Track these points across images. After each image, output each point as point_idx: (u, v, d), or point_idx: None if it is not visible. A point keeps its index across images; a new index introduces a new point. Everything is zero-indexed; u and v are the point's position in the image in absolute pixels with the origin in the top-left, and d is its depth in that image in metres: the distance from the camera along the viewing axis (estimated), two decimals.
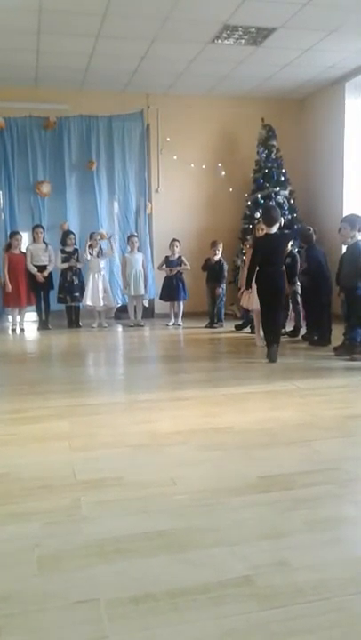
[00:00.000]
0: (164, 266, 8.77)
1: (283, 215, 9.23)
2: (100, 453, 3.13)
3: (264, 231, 6.18)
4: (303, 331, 7.34)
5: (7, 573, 1.94)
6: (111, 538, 2.16)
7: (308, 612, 1.72)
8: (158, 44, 7.28)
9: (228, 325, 8.34)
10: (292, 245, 7.82)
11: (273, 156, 9.34)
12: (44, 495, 2.57)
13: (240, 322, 8.27)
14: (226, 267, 8.53)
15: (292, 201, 9.36)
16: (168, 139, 9.53)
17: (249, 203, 9.44)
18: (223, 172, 9.61)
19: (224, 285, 8.53)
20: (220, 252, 8.48)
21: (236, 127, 9.72)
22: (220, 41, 7.21)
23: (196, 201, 9.73)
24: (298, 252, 7.64)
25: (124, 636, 1.62)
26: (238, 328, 8.10)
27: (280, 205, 9.25)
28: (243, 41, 7.24)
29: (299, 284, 7.49)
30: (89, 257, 8.44)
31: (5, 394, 4.72)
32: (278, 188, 9.23)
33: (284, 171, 9.34)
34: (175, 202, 9.60)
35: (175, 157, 9.57)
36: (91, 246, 8.53)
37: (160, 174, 9.69)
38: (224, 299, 8.61)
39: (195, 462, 2.99)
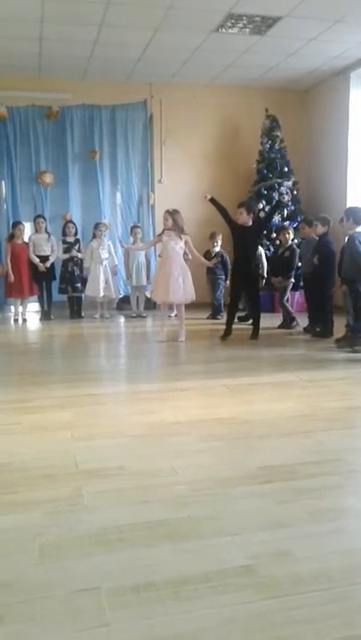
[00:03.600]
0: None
1: (286, 206, 9.23)
2: (102, 443, 3.14)
3: (246, 221, 6.47)
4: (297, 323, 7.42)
5: (9, 562, 1.95)
6: (112, 527, 2.17)
7: (310, 601, 1.73)
8: (162, 33, 7.23)
9: None
10: (292, 240, 7.82)
11: (277, 146, 9.30)
12: (46, 484, 2.57)
13: (243, 313, 8.26)
14: (227, 258, 8.50)
15: (295, 192, 9.33)
16: (171, 128, 9.48)
17: (252, 194, 9.40)
18: (227, 163, 9.57)
19: (223, 277, 8.49)
20: (220, 243, 8.46)
21: (240, 117, 9.66)
22: (224, 30, 7.16)
23: (198, 191, 9.64)
24: (298, 245, 7.63)
25: (125, 624, 1.63)
26: (241, 320, 8.09)
27: (283, 196, 9.22)
28: (247, 30, 7.19)
29: (293, 280, 7.54)
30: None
31: (8, 384, 4.73)
32: (282, 179, 9.19)
33: (287, 161, 9.30)
34: (178, 192, 9.56)
35: (178, 147, 9.53)
36: (95, 236, 8.51)
37: (163, 164, 9.66)
38: (223, 290, 8.58)
39: (196, 452, 2.99)
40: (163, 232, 6.52)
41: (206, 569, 1.89)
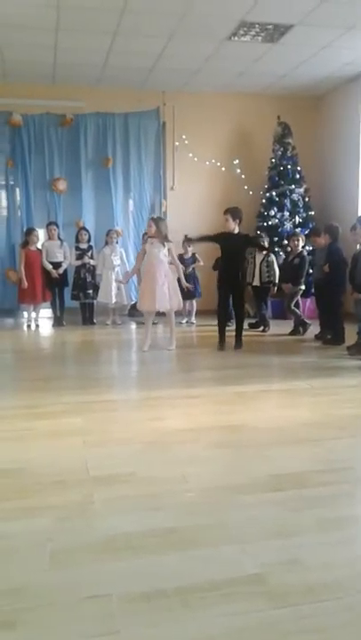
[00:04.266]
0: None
1: (297, 213, 9.22)
2: (113, 450, 3.15)
3: (232, 228, 6.47)
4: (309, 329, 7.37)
5: (20, 567, 1.96)
6: (123, 534, 2.17)
7: (320, 611, 1.72)
8: (175, 42, 7.28)
9: None
10: (303, 246, 7.81)
11: (288, 153, 9.31)
12: (57, 490, 2.59)
13: (253, 320, 8.25)
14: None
15: (307, 199, 9.32)
16: (184, 136, 9.53)
17: (264, 200, 9.41)
18: (238, 170, 9.59)
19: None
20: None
21: (252, 124, 9.68)
22: (236, 38, 7.19)
23: (210, 198, 9.71)
24: (310, 252, 7.62)
25: (135, 631, 1.63)
26: (252, 326, 8.08)
27: (295, 203, 9.22)
28: (260, 38, 7.21)
29: (303, 286, 7.52)
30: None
31: (20, 389, 4.76)
32: (293, 186, 9.20)
33: (299, 168, 9.31)
34: (190, 199, 9.60)
35: (190, 155, 9.57)
36: (107, 243, 8.56)
37: (175, 172, 9.70)
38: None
39: (206, 460, 2.99)
40: (146, 240, 6.48)
41: (216, 577, 1.88)
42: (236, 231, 6.49)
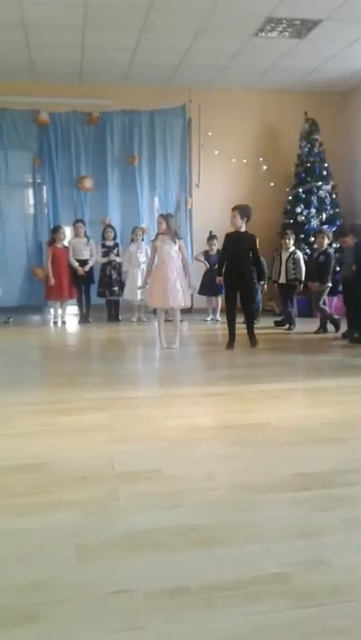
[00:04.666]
0: (202, 257, 8.74)
1: (324, 210, 9.13)
2: (138, 446, 3.16)
3: (239, 227, 6.35)
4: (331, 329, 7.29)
5: (46, 561, 1.98)
6: (147, 530, 2.18)
7: (345, 611, 1.70)
8: (201, 38, 7.26)
9: (266, 321, 8.28)
10: (328, 244, 7.72)
11: (316, 149, 9.23)
12: (82, 486, 2.60)
13: (279, 318, 8.20)
14: (264, 263, 8.44)
15: (334, 195, 9.23)
16: (209, 133, 9.51)
17: (290, 197, 9.34)
18: (265, 167, 9.53)
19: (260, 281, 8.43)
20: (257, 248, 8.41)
21: (279, 121, 9.62)
22: (263, 34, 7.15)
23: (236, 195, 9.65)
24: (335, 251, 7.54)
25: (160, 627, 1.63)
26: (278, 324, 8.03)
27: (322, 200, 9.13)
28: (287, 33, 7.16)
29: (330, 284, 7.43)
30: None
31: (46, 385, 4.81)
32: (320, 183, 9.11)
33: (326, 165, 9.22)
34: (215, 197, 9.57)
35: (216, 152, 9.54)
36: (132, 240, 8.60)
37: (201, 169, 9.68)
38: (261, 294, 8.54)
39: (230, 458, 2.98)
40: (157, 237, 6.42)
41: (240, 575, 1.88)
42: (243, 229, 6.37)
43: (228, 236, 6.48)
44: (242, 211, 6.37)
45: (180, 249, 6.30)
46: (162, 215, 6.45)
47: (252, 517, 2.30)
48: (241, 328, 6.51)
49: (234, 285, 6.43)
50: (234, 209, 6.44)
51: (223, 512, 2.34)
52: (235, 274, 6.38)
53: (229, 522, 2.26)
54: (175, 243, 6.24)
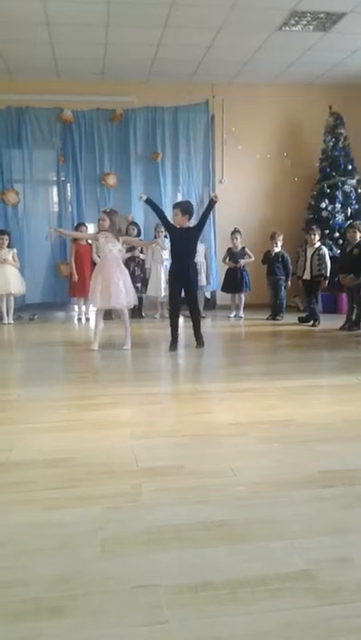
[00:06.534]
0: (228, 259, 8.73)
1: (350, 205, 9.04)
2: (161, 442, 3.17)
3: (182, 223, 6.07)
4: None
5: (71, 555, 1.99)
6: (171, 525, 2.18)
7: None
8: (225, 33, 7.23)
9: (290, 318, 8.23)
10: None
11: (340, 144, 9.14)
12: (106, 480, 2.62)
13: (303, 314, 8.15)
14: (288, 259, 8.40)
15: (359, 190, 9.12)
16: (233, 128, 9.47)
17: (314, 192, 9.26)
18: (290, 162, 9.47)
19: (283, 277, 8.38)
20: (281, 243, 8.37)
21: (303, 115, 9.54)
22: (287, 28, 7.09)
23: (259, 191, 9.63)
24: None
25: (184, 622, 1.64)
26: (302, 321, 7.98)
27: (347, 195, 9.03)
28: (311, 27, 7.09)
29: None
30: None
31: (70, 381, 4.85)
32: (345, 177, 9.01)
33: (351, 159, 9.11)
34: (239, 192, 9.54)
35: (240, 147, 9.50)
36: (155, 237, 8.61)
37: (224, 165, 9.65)
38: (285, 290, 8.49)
39: (255, 454, 2.97)
40: (99, 232, 6.15)
41: (264, 572, 1.87)
42: (186, 226, 6.09)
43: (173, 230, 6.20)
44: (183, 208, 6.09)
45: (125, 243, 6.19)
46: (105, 211, 6.13)
47: (277, 514, 2.29)
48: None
49: (180, 285, 6.11)
50: (175, 207, 6.22)
51: (248, 508, 2.34)
52: (182, 274, 6.07)
53: (254, 518, 2.25)
54: (119, 241, 6.04)
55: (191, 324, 6.20)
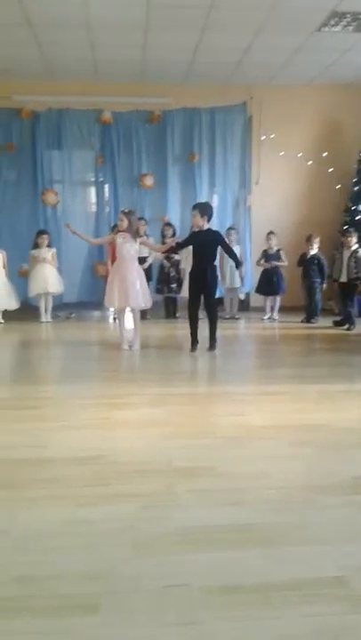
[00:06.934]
0: (263, 261, 8.69)
1: None
2: (193, 442, 3.18)
3: (200, 225, 6.00)
4: None
5: (103, 552, 2.02)
6: (203, 526, 2.20)
7: None
8: (263, 35, 7.20)
9: (325, 321, 8.14)
10: None
11: None
12: (138, 479, 2.65)
13: (338, 318, 8.05)
14: (325, 262, 8.31)
15: None
16: (270, 130, 9.41)
17: (352, 194, 9.14)
18: (331, 169, 9.39)
19: (319, 280, 8.30)
20: (317, 246, 8.28)
21: (341, 116, 9.43)
22: (326, 29, 7.02)
23: (296, 192, 9.56)
24: None
25: (215, 624, 1.65)
26: (337, 324, 7.89)
27: None
28: (351, 27, 7.01)
29: None
30: None
31: (104, 380, 4.91)
32: None
33: None
34: (275, 194, 9.49)
35: (276, 149, 9.44)
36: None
37: (261, 166, 9.61)
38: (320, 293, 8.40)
39: (287, 458, 2.96)
40: (116, 233, 6.16)
41: (296, 577, 1.87)
42: (206, 227, 6.01)
43: (193, 235, 6.20)
44: (201, 209, 6.02)
45: (143, 244, 6.17)
46: (123, 212, 6.15)
47: (310, 519, 2.28)
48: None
49: (198, 285, 6.05)
50: (193, 208, 6.15)
51: (280, 512, 2.33)
52: (199, 274, 6.01)
53: (286, 522, 2.25)
54: (136, 241, 6.05)
55: (209, 326, 6.09)
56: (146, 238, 6.22)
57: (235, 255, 6.31)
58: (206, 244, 5.99)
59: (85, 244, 9.17)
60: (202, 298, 6.10)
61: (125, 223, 5.99)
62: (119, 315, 6.37)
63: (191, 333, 6.05)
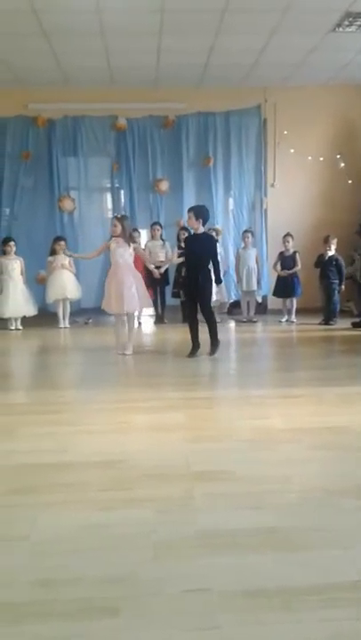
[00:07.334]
0: (279, 265, 8.65)
1: None
2: (213, 446, 3.17)
3: (195, 228, 5.97)
4: None
5: (123, 556, 2.02)
6: (223, 530, 2.19)
7: None
8: (277, 37, 7.19)
9: (344, 323, 8.07)
10: None
11: None
12: (158, 483, 2.65)
13: (357, 319, 7.98)
14: (342, 263, 8.25)
15: None
16: (285, 132, 9.39)
17: None
18: (343, 164, 9.32)
19: (337, 282, 8.24)
20: (334, 247, 8.23)
21: (356, 117, 9.39)
22: (341, 29, 6.99)
23: (312, 194, 9.51)
24: None
25: (236, 628, 1.64)
26: (356, 326, 7.82)
27: None
28: None
29: None
30: None
31: (123, 384, 4.92)
32: None
33: None
34: (291, 196, 9.45)
35: (292, 150, 9.41)
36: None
37: (276, 168, 9.58)
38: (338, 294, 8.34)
39: (307, 461, 2.94)
40: (111, 239, 6.15)
41: (317, 581, 1.85)
42: (201, 231, 5.99)
43: (187, 240, 6.16)
44: (197, 212, 5.95)
45: (135, 250, 6.11)
46: (116, 217, 6.17)
47: (331, 522, 2.26)
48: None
49: (191, 290, 6.03)
50: (189, 210, 6.09)
51: (301, 515, 2.32)
52: (192, 278, 5.97)
53: (307, 526, 2.23)
54: (129, 246, 6.03)
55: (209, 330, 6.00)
56: (139, 246, 6.18)
57: (218, 268, 6.12)
58: (199, 249, 5.93)
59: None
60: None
61: (119, 228, 5.99)
62: (116, 319, 6.35)
63: (191, 338, 6.00)
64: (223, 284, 8.71)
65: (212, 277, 5.97)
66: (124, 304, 5.99)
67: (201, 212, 5.97)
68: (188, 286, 6.09)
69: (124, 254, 6.01)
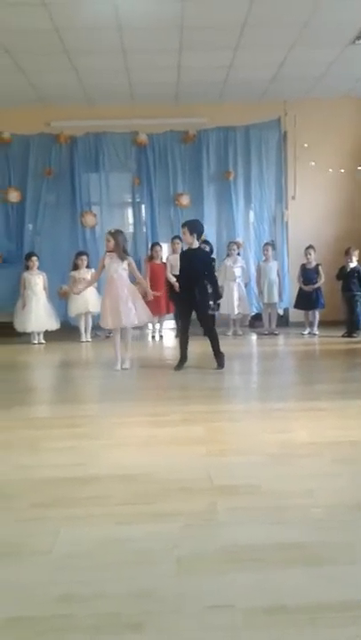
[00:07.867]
0: (301, 277, 8.61)
1: None
2: (236, 460, 3.15)
3: (190, 242, 5.95)
4: None
5: (147, 571, 2.01)
6: (247, 545, 2.16)
7: None
8: (296, 51, 7.22)
9: None
10: None
11: None
12: (181, 497, 2.63)
13: None
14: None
15: None
16: (305, 144, 9.38)
17: None
18: None
19: (360, 293, 8.17)
20: (356, 259, 8.17)
21: None
22: (359, 42, 6.99)
23: (333, 206, 9.47)
24: None
25: None
26: None
27: None
28: None
29: None
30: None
31: (144, 398, 4.92)
32: None
33: None
34: (312, 208, 9.42)
35: (312, 163, 9.39)
36: (228, 255, 8.66)
37: (297, 181, 9.57)
38: None
39: (332, 475, 2.90)
40: (105, 254, 6.12)
41: (344, 597, 1.82)
42: (195, 246, 6.00)
43: (182, 255, 6.16)
44: (191, 226, 5.97)
45: (129, 266, 6.05)
46: (109, 232, 6.16)
47: (354, 538, 2.22)
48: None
49: (187, 304, 6.04)
50: (183, 225, 6.11)
51: (325, 531, 2.28)
52: (188, 293, 5.97)
53: (331, 541, 2.20)
54: (123, 260, 5.99)
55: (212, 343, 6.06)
56: (133, 262, 6.20)
57: (216, 283, 6.16)
58: (194, 264, 5.92)
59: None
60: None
61: (112, 243, 5.98)
62: (114, 334, 6.30)
63: (180, 351, 6.01)
64: (245, 296, 8.75)
65: (209, 292, 5.95)
66: (121, 318, 5.97)
67: (195, 227, 6.01)
68: (181, 301, 6.07)
69: (118, 269, 5.99)
